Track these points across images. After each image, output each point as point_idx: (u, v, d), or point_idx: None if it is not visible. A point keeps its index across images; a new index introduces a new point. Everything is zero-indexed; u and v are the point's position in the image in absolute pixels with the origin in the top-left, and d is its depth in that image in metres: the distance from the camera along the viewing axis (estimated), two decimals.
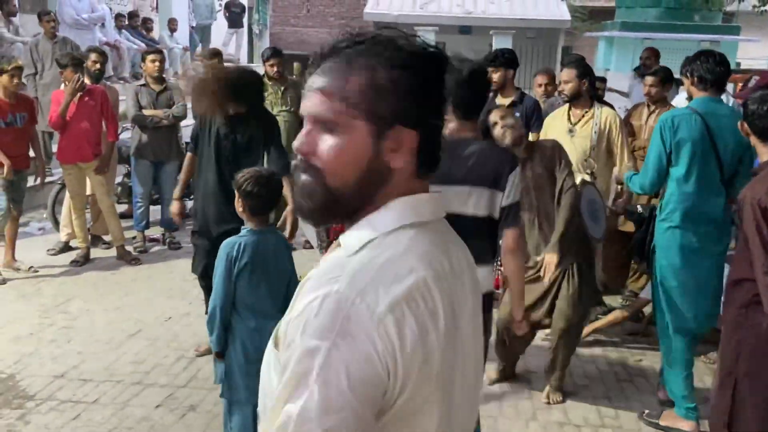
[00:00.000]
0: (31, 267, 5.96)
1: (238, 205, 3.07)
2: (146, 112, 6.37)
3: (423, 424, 1.05)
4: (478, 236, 2.82)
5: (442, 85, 1.09)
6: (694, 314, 3.72)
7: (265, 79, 6.49)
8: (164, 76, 6.72)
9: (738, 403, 2.94)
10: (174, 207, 4.60)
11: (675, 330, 3.74)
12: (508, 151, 3.02)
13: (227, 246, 3.01)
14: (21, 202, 5.98)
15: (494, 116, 3.73)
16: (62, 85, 6.15)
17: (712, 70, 3.56)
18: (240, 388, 3.04)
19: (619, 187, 4.84)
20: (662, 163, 3.64)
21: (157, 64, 6.46)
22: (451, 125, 2.85)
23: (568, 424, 3.85)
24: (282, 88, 6.60)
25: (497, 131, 3.68)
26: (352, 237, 1.09)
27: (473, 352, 1.17)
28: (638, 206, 4.74)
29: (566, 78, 4.70)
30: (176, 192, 4.63)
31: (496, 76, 5.18)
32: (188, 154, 4.56)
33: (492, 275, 2.93)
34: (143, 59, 6.75)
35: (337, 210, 1.11)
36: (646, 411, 3.93)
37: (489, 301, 2.94)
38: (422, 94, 1.07)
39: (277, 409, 0.99)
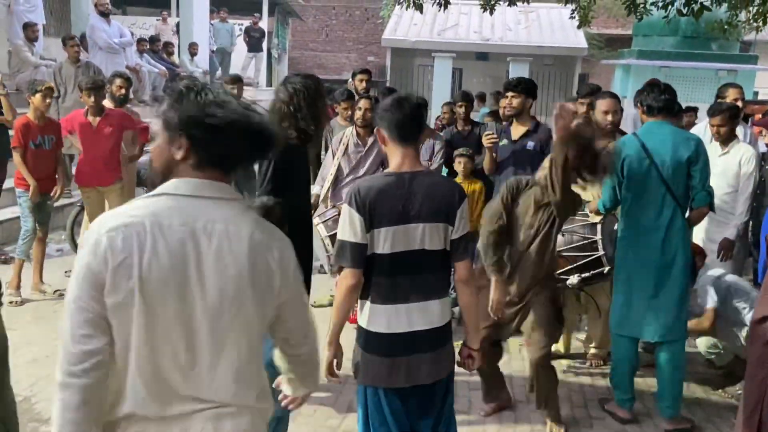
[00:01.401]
0: (57, 290, 5.99)
1: None
2: None
3: (129, 316, 1.66)
4: (435, 270, 2.86)
5: (205, 112, 1.71)
6: (635, 321, 4.04)
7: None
8: None
9: None
10: None
11: (619, 334, 4.14)
12: (455, 184, 3.04)
13: None
14: (47, 224, 6.07)
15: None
16: (85, 108, 6.24)
17: (656, 98, 4.01)
18: None
19: None
20: (614, 181, 4.07)
21: None
22: (394, 160, 2.84)
23: None
24: None
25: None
26: None
27: (218, 287, 1.72)
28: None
29: (614, 107, 4.69)
30: None
31: (515, 102, 5.19)
32: None
33: (448, 307, 2.94)
34: None
35: (158, 182, 1.78)
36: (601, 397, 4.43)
37: (449, 331, 2.94)
38: (185, 116, 1.72)
39: None
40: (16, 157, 5.79)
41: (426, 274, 2.82)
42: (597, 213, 4.35)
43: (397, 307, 2.79)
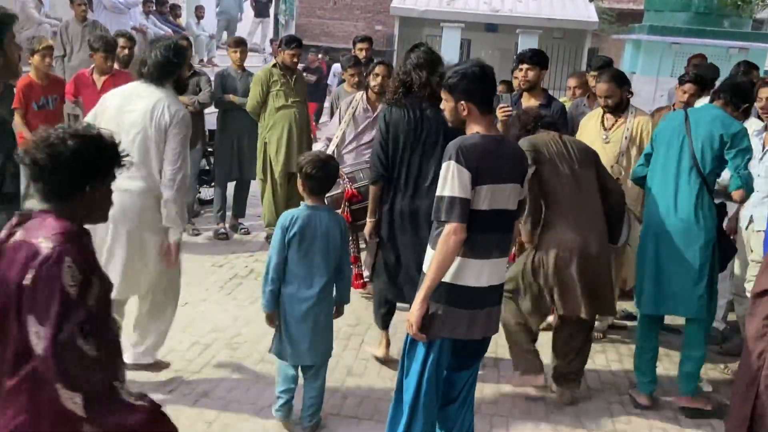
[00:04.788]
0: None
1: (300, 185, 3.42)
2: None
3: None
4: (511, 229, 3.10)
5: None
6: (655, 298, 3.99)
7: (275, 69, 6.35)
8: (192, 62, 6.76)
9: (758, 414, 2.91)
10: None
11: (642, 313, 4.12)
12: (523, 151, 3.25)
13: (283, 217, 3.38)
14: None
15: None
16: (91, 66, 6.19)
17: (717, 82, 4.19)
18: (285, 347, 3.42)
19: None
20: (649, 152, 4.13)
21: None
22: (479, 127, 2.96)
23: (580, 428, 3.85)
24: (294, 78, 6.46)
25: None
26: None
27: (133, 120, 3.61)
28: None
29: (610, 92, 4.68)
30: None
31: (531, 75, 5.13)
32: None
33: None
34: None
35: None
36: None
37: (501, 293, 3.15)
38: None
39: None
40: (17, 117, 5.68)
41: (507, 232, 3.05)
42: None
43: (484, 262, 2.96)
